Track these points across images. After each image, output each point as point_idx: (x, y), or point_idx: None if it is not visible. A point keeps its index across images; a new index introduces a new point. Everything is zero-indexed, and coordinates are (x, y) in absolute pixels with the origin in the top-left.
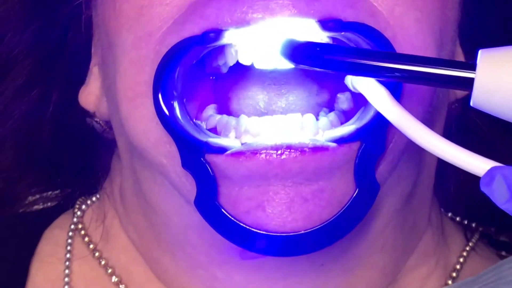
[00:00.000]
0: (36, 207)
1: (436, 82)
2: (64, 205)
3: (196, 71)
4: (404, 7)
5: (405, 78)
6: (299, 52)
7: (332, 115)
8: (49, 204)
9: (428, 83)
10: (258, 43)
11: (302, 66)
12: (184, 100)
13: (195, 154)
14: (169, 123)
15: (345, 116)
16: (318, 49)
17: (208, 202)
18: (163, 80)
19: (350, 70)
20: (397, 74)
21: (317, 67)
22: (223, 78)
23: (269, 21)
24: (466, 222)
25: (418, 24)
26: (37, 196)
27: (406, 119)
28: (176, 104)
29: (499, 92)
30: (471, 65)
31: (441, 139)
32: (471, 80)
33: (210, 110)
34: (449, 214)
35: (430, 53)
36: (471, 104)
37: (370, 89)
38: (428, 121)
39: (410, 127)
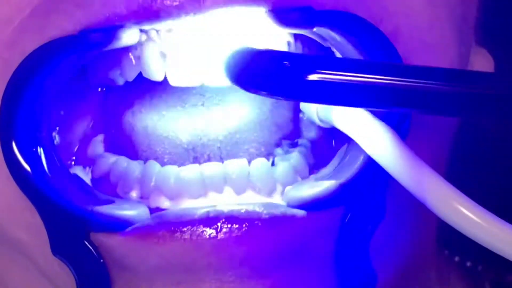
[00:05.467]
0: None
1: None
2: None
3: (76, 84)
4: None
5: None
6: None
7: (295, 156)
8: None
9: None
10: (174, 46)
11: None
12: (56, 136)
13: (73, 234)
14: (29, 183)
15: (316, 153)
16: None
17: None
18: (18, 116)
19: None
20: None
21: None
22: (117, 94)
23: (196, 13)
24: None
25: (430, 9)
26: None
27: (418, 170)
28: (41, 150)
29: None
30: None
31: (474, 207)
32: None
33: (98, 144)
34: None
35: (452, 52)
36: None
37: (354, 120)
38: None
39: (422, 183)
